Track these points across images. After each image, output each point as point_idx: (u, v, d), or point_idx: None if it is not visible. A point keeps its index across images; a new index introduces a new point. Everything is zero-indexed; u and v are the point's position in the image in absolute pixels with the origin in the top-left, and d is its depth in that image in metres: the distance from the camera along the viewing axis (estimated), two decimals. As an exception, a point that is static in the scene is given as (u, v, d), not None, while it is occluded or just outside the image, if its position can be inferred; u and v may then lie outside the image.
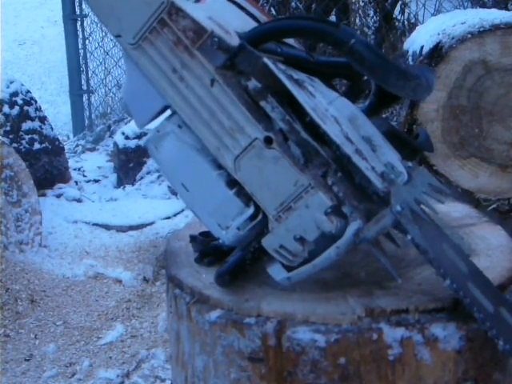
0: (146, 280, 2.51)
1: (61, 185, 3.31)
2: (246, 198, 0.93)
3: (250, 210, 0.93)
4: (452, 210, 1.19)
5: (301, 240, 0.90)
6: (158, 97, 0.97)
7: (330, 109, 0.93)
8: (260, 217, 0.92)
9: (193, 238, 1.06)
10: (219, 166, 0.94)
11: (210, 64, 0.92)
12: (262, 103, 0.91)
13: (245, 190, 0.93)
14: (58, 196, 3.21)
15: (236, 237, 0.94)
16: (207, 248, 1.05)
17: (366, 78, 1.02)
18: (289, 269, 0.92)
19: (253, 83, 0.91)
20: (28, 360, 2.12)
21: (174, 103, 0.96)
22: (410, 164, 0.94)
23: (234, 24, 0.97)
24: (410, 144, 0.98)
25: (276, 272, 0.93)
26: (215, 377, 0.96)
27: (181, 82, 0.95)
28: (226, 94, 0.92)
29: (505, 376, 0.94)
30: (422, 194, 0.91)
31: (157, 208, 3.02)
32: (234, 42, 0.92)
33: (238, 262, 0.96)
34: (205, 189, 0.95)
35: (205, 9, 0.99)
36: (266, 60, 0.90)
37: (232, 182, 0.94)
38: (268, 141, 0.90)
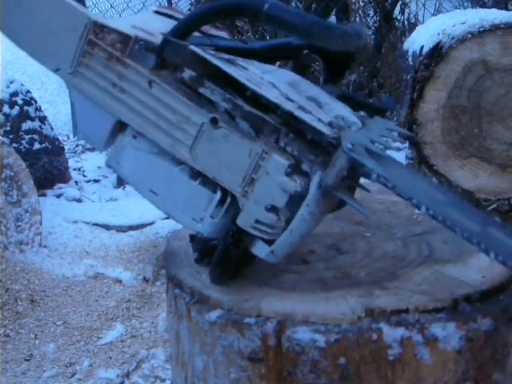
0: (146, 280, 2.51)
1: (61, 185, 3.31)
2: (211, 185, 0.94)
3: (218, 195, 0.94)
4: (452, 210, 1.19)
5: (273, 209, 0.90)
6: (107, 115, 1.00)
7: (266, 76, 0.95)
8: (229, 199, 0.94)
9: (192, 238, 1.07)
10: (179, 162, 0.96)
11: (144, 68, 0.96)
12: (201, 89, 0.93)
13: (208, 177, 0.94)
14: (58, 196, 3.21)
15: (212, 226, 0.95)
16: (206, 248, 1.05)
17: (305, 52, 1.03)
18: (271, 244, 0.92)
19: (187, 73, 0.94)
20: (28, 360, 2.12)
21: (122, 116, 0.99)
22: (363, 113, 0.94)
23: (162, 30, 0.99)
24: (366, 104, 1.00)
25: (259, 250, 0.93)
26: (215, 377, 0.96)
27: (122, 94, 0.98)
28: (165, 92, 0.95)
29: (505, 376, 0.94)
30: (379, 136, 0.91)
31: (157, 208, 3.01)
32: (159, 40, 0.95)
33: (222, 251, 0.96)
34: (171, 188, 0.97)
35: (129, 20, 1.03)
36: (192, 47, 0.92)
37: (195, 174, 0.95)
38: (214, 121, 0.92)
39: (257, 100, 0.90)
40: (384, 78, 4.34)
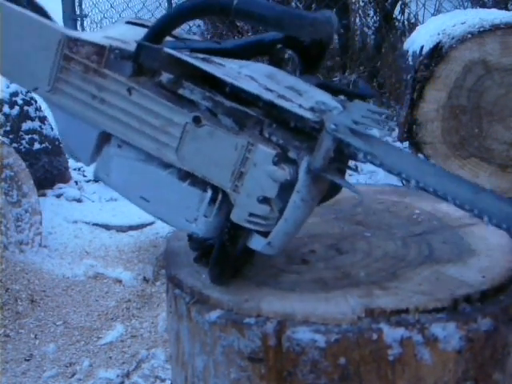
0: (146, 280, 2.51)
1: (61, 185, 3.30)
2: (201, 184, 0.94)
3: (209, 194, 0.94)
4: (452, 210, 1.19)
5: (265, 200, 0.90)
6: (90, 128, 1.00)
7: (243, 70, 0.95)
8: (220, 196, 0.94)
9: (190, 237, 1.07)
10: (167, 166, 0.96)
11: (122, 76, 0.96)
12: (180, 91, 0.93)
13: (197, 177, 0.94)
14: (58, 196, 3.21)
15: (207, 225, 0.95)
16: (204, 247, 1.05)
17: (279, 46, 1.04)
18: (267, 236, 0.92)
19: (165, 76, 0.94)
20: (28, 360, 2.12)
21: (105, 126, 0.99)
22: (342, 97, 0.95)
23: (136, 38, 0.99)
24: (344, 92, 1.00)
25: (256, 243, 0.93)
26: (215, 377, 0.96)
27: (103, 105, 0.98)
28: (145, 97, 0.95)
29: (505, 376, 0.94)
30: (361, 117, 0.91)
31: (157, 208, 3.00)
32: (134, 47, 0.96)
33: (218, 249, 0.96)
34: (162, 192, 0.97)
35: (101, 32, 1.04)
36: (167, 49, 0.93)
37: (184, 175, 0.95)
38: (197, 120, 0.93)
39: (237, 95, 0.91)
40: (384, 77, 4.34)
